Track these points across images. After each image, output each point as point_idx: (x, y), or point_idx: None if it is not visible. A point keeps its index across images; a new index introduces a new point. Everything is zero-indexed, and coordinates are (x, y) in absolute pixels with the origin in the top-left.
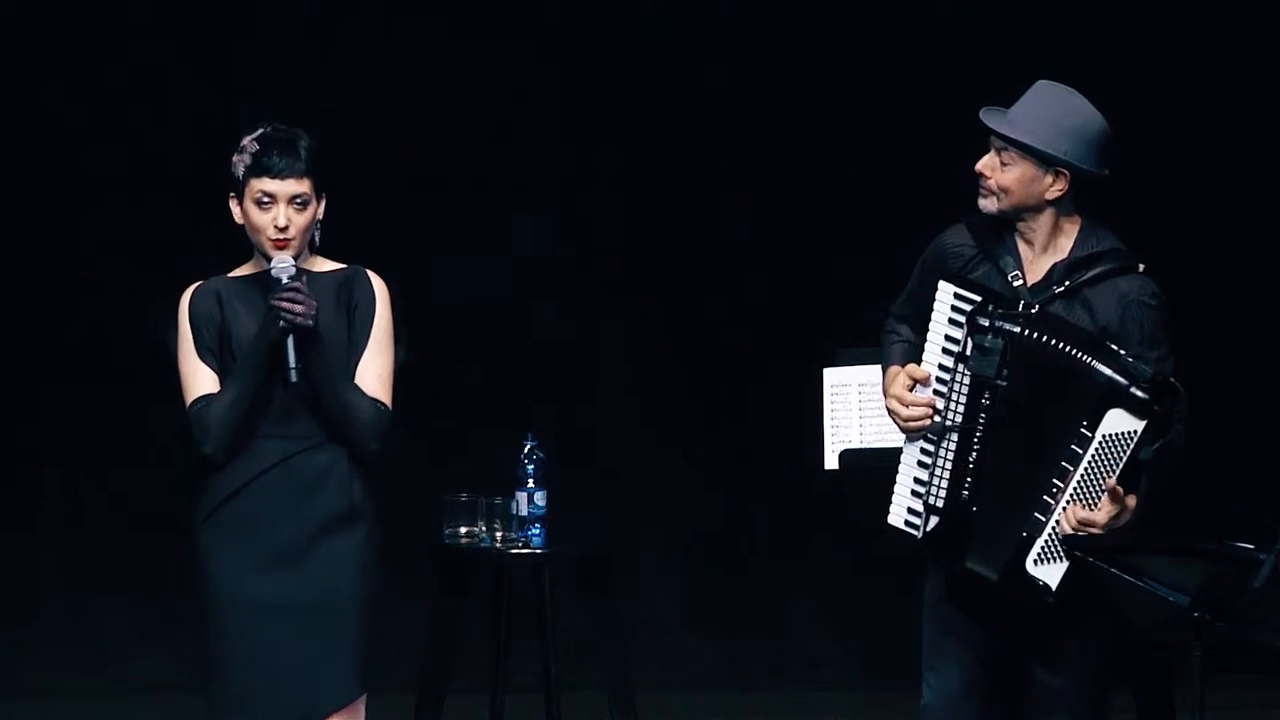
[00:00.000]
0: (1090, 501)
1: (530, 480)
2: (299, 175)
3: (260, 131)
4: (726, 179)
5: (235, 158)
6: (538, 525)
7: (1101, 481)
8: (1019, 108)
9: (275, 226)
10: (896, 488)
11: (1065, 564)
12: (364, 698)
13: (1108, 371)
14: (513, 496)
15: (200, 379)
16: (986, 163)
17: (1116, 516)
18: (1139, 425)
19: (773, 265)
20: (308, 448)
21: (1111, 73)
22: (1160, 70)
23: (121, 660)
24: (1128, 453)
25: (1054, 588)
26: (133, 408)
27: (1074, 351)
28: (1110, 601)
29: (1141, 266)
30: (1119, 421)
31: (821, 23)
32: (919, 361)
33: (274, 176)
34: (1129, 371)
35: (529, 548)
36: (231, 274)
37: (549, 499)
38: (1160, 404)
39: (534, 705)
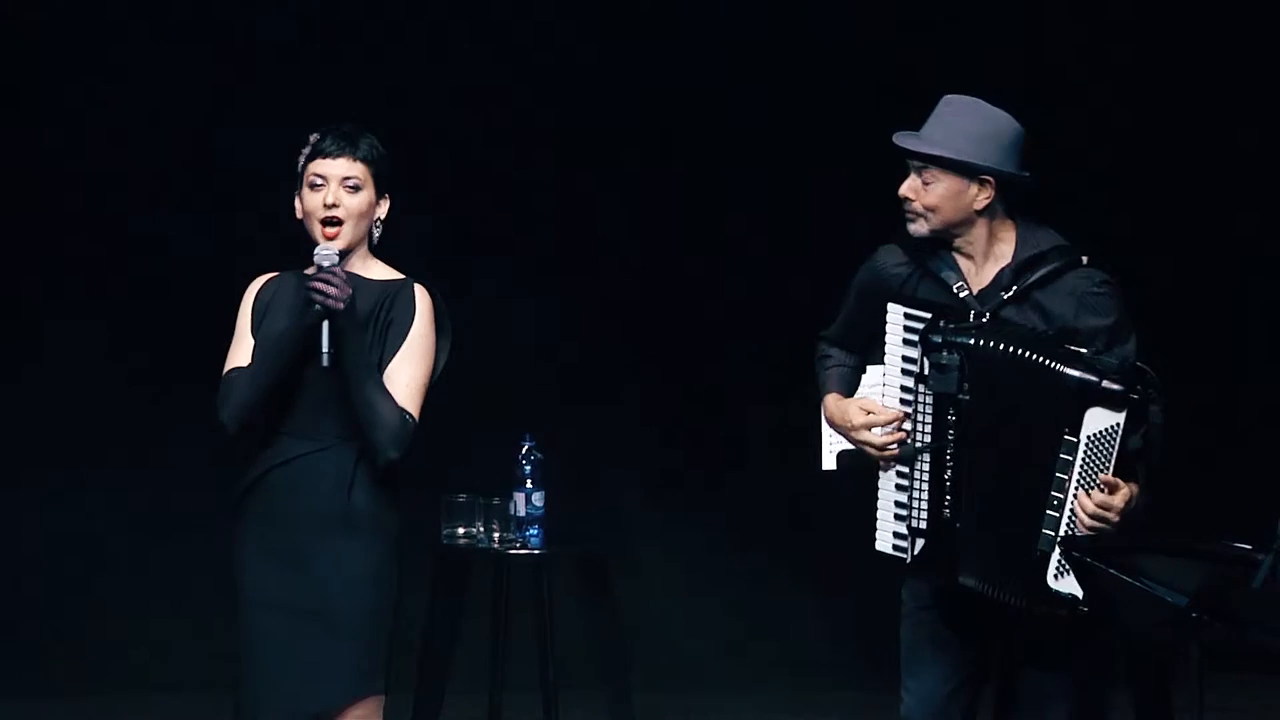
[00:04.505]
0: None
1: (528, 480)
2: (352, 157)
3: (326, 127)
4: (725, 177)
5: (299, 154)
6: (536, 526)
7: (1098, 480)
8: (931, 125)
9: (324, 204)
10: (879, 514)
11: None
12: (374, 700)
13: (1076, 373)
14: (510, 497)
15: (239, 352)
16: (909, 185)
17: (1128, 503)
18: (1120, 418)
19: (772, 264)
20: (316, 449)
21: (1108, 68)
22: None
23: (123, 660)
24: (1115, 447)
25: (1080, 595)
26: (130, 411)
27: (1035, 356)
28: (1109, 601)
29: (1085, 259)
30: (1100, 419)
31: (820, 23)
32: (856, 385)
33: (325, 157)
34: (1096, 367)
35: (527, 548)
36: (305, 271)
37: (547, 499)
38: (1135, 391)
39: (532, 705)
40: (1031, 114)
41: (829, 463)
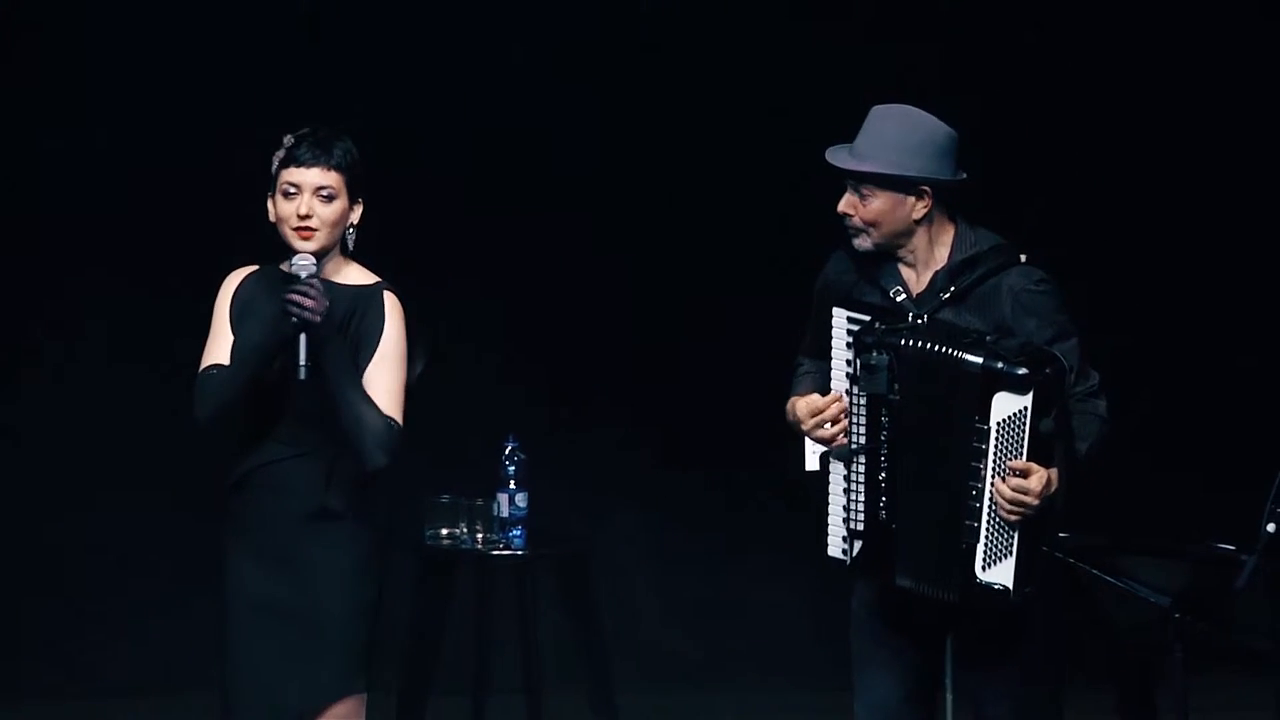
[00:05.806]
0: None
1: (511, 481)
2: (325, 166)
3: (301, 131)
4: (723, 177)
5: (274, 156)
6: (519, 527)
7: (1009, 465)
8: (862, 139)
9: (297, 215)
10: (830, 518)
11: (1012, 557)
12: (355, 700)
13: (977, 359)
14: (494, 498)
15: (216, 348)
16: (847, 202)
17: (1045, 486)
18: (1026, 401)
19: (772, 265)
20: (296, 454)
21: (1111, 70)
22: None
23: (122, 661)
24: (1026, 431)
25: (1010, 586)
26: (131, 413)
27: (947, 350)
28: (1092, 601)
29: (1024, 257)
30: (1007, 404)
31: (820, 24)
32: (826, 388)
33: (299, 166)
34: (997, 352)
35: (510, 549)
36: (280, 265)
37: (530, 500)
38: (1039, 373)
39: (516, 706)
40: (1032, 115)
41: (812, 464)
